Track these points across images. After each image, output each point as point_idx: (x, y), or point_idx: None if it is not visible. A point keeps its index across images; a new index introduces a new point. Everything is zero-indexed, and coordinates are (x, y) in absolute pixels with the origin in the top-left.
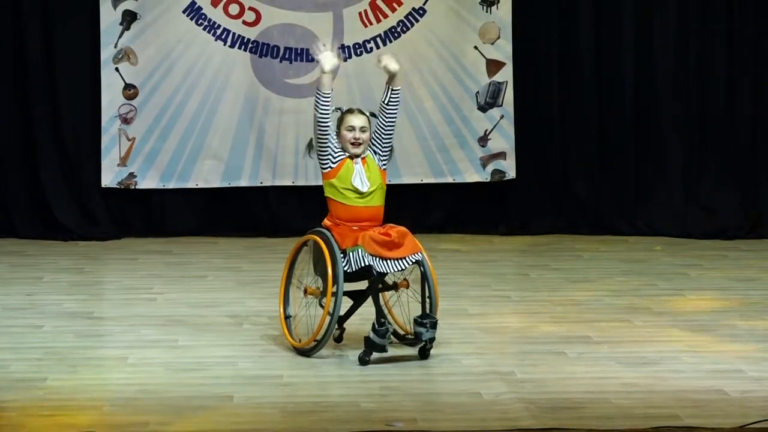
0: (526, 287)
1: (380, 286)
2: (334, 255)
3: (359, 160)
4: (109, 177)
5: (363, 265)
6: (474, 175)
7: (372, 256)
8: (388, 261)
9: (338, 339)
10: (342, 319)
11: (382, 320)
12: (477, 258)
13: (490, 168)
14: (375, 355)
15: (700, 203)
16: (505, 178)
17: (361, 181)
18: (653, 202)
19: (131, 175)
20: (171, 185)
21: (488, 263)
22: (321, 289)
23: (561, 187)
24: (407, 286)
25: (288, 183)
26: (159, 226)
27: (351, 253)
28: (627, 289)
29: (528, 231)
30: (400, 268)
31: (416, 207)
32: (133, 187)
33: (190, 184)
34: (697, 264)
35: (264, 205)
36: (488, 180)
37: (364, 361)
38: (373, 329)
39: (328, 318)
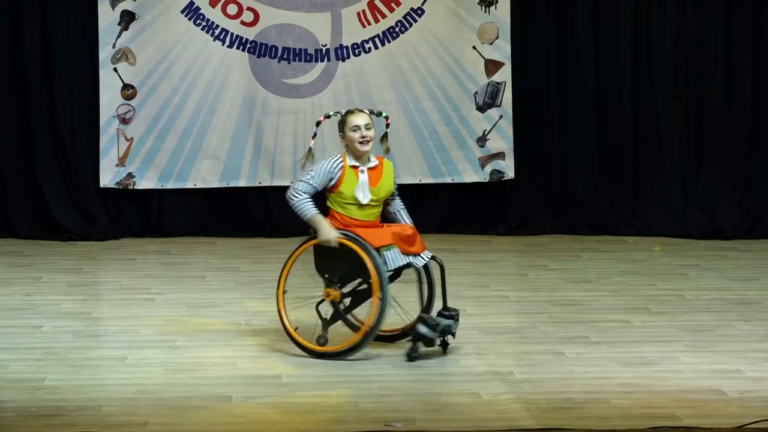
0: (525, 287)
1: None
2: (374, 258)
3: (365, 169)
4: (108, 177)
5: (402, 264)
6: (473, 175)
7: (403, 254)
8: (415, 257)
9: (324, 342)
10: (331, 322)
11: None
12: (475, 258)
13: (488, 168)
14: (371, 355)
15: (698, 203)
16: (504, 179)
17: (363, 193)
18: (651, 202)
19: (129, 176)
20: (169, 185)
21: (487, 263)
22: (339, 291)
23: (559, 187)
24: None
25: (286, 183)
26: (157, 227)
27: (386, 253)
28: (626, 290)
29: (526, 231)
30: (421, 263)
31: (415, 207)
32: (131, 188)
33: (189, 185)
34: (695, 264)
35: (262, 205)
36: (487, 180)
37: (412, 357)
38: (424, 323)
39: (374, 321)
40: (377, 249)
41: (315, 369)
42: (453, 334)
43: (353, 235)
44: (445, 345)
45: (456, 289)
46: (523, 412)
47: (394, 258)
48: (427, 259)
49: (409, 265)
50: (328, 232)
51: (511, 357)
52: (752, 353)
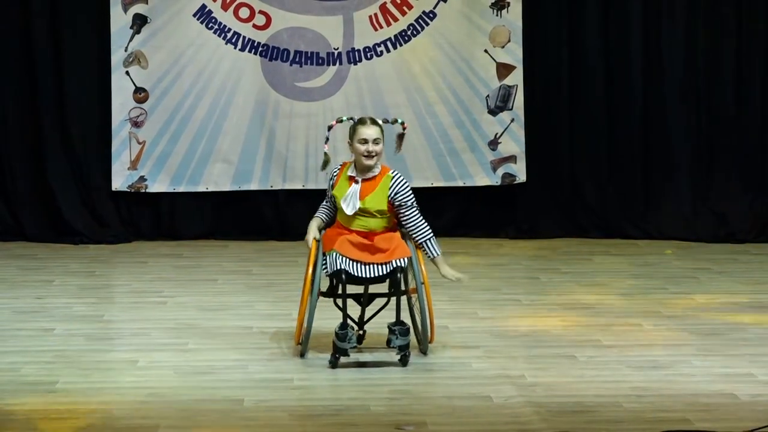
0: (536, 290)
1: (392, 290)
2: (316, 258)
3: (360, 180)
4: (120, 180)
5: (336, 268)
6: (484, 178)
7: (349, 260)
8: (371, 265)
9: (359, 341)
10: (362, 323)
11: (347, 323)
12: (487, 261)
13: (500, 171)
14: (382, 359)
15: (709, 207)
16: (516, 182)
17: (350, 203)
18: (662, 205)
19: (142, 179)
20: (181, 189)
21: (498, 266)
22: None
23: (571, 191)
24: (415, 293)
25: (298, 186)
26: (169, 230)
27: (328, 256)
28: (637, 293)
29: (538, 234)
30: (379, 273)
31: (426, 210)
32: (143, 191)
33: (201, 188)
34: (706, 268)
35: (274, 208)
36: (498, 183)
37: (332, 364)
38: (335, 333)
39: (306, 319)
40: (325, 252)
41: (326, 372)
42: (396, 348)
43: (319, 238)
44: (401, 359)
45: (467, 293)
46: (534, 416)
47: (332, 262)
48: (388, 270)
49: (340, 271)
50: (308, 233)
51: (523, 360)
52: (764, 357)
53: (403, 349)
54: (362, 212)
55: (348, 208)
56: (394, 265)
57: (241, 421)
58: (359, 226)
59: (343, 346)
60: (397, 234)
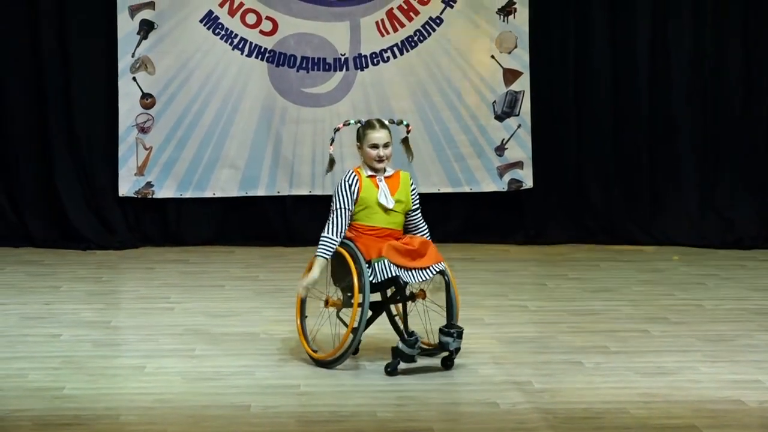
0: (543, 297)
1: (398, 297)
2: (360, 266)
3: (382, 177)
4: (127, 186)
5: (390, 275)
6: (491, 184)
7: (397, 266)
8: (413, 271)
9: (355, 351)
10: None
11: (411, 330)
12: (494, 267)
13: (507, 177)
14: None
15: (716, 213)
16: (522, 188)
17: (386, 197)
18: (670, 211)
19: (148, 185)
20: (188, 194)
21: (505, 273)
22: (342, 300)
23: (578, 197)
24: (424, 297)
25: (305, 192)
26: (176, 236)
27: (376, 264)
28: (644, 299)
29: (545, 240)
30: (424, 278)
31: (433, 216)
32: (150, 197)
33: (207, 194)
34: (714, 274)
35: (280, 214)
36: (505, 189)
37: (392, 372)
38: (403, 339)
39: (359, 333)
40: (369, 260)
41: (333, 378)
42: (450, 352)
43: (352, 245)
44: (447, 362)
45: (474, 299)
46: (541, 422)
47: (383, 269)
48: (432, 274)
49: (396, 278)
50: (308, 276)
51: (530, 366)
52: None
53: (458, 352)
54: (395, 207)
55: (387, 202)
56: (437, 269)
57: (248, 427)
58: (392, 223)
59: (411, 353)
60: (429, 241)
